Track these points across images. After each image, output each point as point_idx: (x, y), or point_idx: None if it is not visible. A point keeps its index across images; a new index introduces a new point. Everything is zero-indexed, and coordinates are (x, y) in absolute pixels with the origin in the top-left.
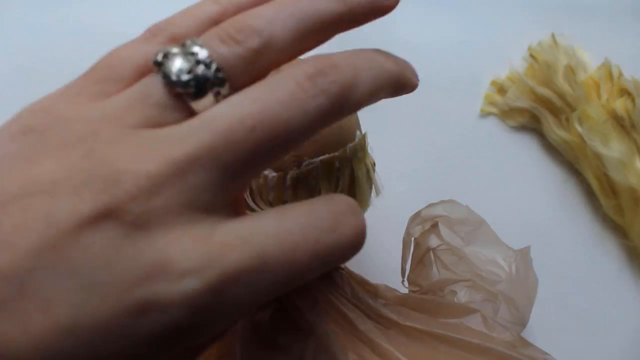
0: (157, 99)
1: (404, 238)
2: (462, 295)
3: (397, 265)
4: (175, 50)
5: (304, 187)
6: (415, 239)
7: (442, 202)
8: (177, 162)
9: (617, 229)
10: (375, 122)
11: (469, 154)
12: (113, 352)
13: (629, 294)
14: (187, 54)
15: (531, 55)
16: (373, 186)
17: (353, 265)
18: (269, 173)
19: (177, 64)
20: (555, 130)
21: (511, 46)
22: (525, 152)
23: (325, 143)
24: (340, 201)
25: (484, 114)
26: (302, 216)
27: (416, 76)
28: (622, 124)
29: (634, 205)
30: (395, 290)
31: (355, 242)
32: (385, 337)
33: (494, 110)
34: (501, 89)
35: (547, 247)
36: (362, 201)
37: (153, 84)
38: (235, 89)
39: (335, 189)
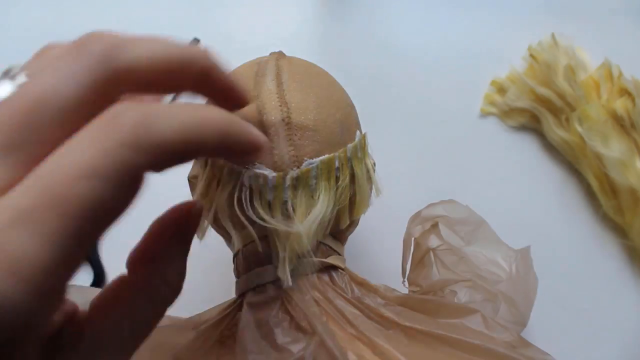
0: None
1: (404, 238)
2: (462, 296)
3: (397, 265)
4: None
5: (304, 187)
6: (415, 239)
7: (443, 202)
8: None
9: (617, 229)
10: (376, 122)
11: (469, 154)
12: None
13: (629, 294)
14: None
15: (531, 55)
16: (373, 186)
17: (353, 265)
18: (269, 173)
19: None
20: (555, 130)
21: (511, 46)
22: (525, 152)
23: (326, 143)
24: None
25: (484, 114)
26: None
27: (256, 135)
28: (622, 124)
29: (634, 205)
30: (395, 290)
31: None
32: (385, 337)
33: (494, 110)
34: (501, 89)
35: (547, 247)
36: (362, 201)
37: None
38: None
39: (335, 189)
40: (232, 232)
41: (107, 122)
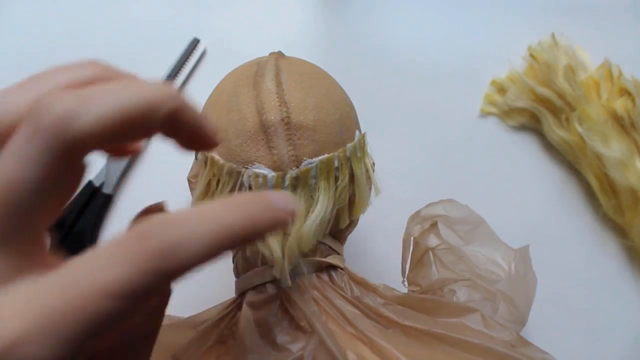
0: None
1: (403, 238)
2: (462, 295)
3: (396, 264)
4: None
5: (303, 186)
6: (414, 238)
7: (442, 201)
8: None
9: (617, 229)
10: (375, 122)
11: (469, 153)
12: None
13: (629, 294)
14: None
15: (531, 55)
16: (372, 186)
17: (353, 265)
18: (268, 173)
19: None
20: (555, 130)
21: (511, 46)
22: (525, 152)
23: (325, 143)
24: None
25: (484, 114)
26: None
27: (280, 210)
28: (622, 124)
29: (634, 205)
30: (394, 289)
31: None
32: (384, 336)
33: (494, 110)
34: (501, 89)
35: (546, 247)
36: (362, 201)
37: None
38: None
39: (334, 189)
40: None
41: (137, 239)
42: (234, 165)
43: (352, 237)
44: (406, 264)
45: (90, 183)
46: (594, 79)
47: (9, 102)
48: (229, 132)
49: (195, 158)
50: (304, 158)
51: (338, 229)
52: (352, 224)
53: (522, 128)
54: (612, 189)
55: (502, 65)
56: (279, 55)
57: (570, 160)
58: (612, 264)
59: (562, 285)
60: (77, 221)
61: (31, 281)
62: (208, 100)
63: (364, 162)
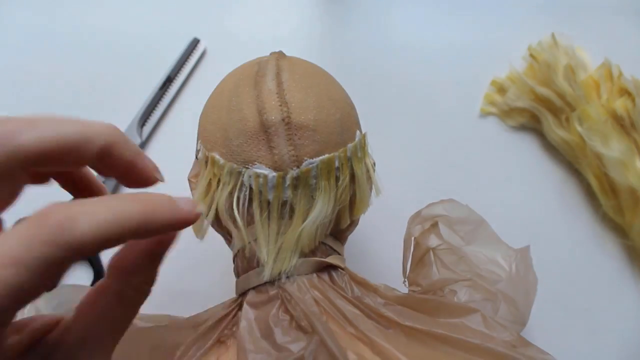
0: None
1: (404, 238)
2: (462, 295)
3: (397, 264)
4: None
5: (304, 186)
6: (415, 238)
7: (442, 201)
8: None
9: (617, 229)
10: (376, 122)
11: (469, 153)
12: None
13: (629, 294)
14: None
15: (531, 55)
16: (373, 186)
17: (353, 265)
18: (269, 173)
19: None
20: (555, 130)
21: (511, 46)
22: (525, 152)
23: (326, 143)
24: None
25: (484, 114)
26: None
27: (181, 211)
28: (622, 124)
29: (634, 205)
30: (395, 290)
31: None
32: (384, 336)
33: (494, 110)
34: (501, 89)
35: (547, 247)
36: (362, 201)
37: None
38: None
39: (335, 189)
40: (234, 232)
41: (34, 221)
42: (235, 165)
43: (353, 237)
44: (407, 264)
45: None
46: (594, 79)
47: None
48: (229, 132)
49: (196, 158)
50: (305, 158)
51: (339, 229)
52: (353, 224)
53: (522, 128)
54: (612, 189)
55: (502, 65)
56: (280, 55)
57: (570, 160)
58: (612, 264)
59: (562, 285)
60: None
61: None
62: (209, 100)
63: (365, 162)
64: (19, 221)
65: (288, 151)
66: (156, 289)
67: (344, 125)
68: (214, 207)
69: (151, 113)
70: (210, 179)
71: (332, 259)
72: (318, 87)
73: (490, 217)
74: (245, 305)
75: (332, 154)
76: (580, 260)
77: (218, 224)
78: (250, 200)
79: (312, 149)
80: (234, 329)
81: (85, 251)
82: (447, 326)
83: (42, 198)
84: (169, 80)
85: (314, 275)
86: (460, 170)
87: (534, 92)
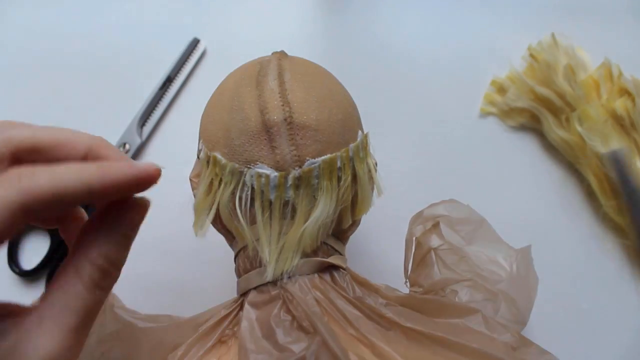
0: None
1: (406, 238)
2: (463, 295)
3: (398, 265)
4: None
5: (306, 186)
6: (416, 238)
7: (444, 201)
8: None
9: (617, 229)
10: (377, 122)
11: (469, 153)
12: None
13: (629, 294)
14: None
15: (531, 55)
16: (375, 186)
17: (355, 265)
18: (271, 172)
19: None
20: (555, 130)
21: (511, 46)
22: (525, 152)
23: (328, 143)
24: None
25: (484, 114)
26: None
27: (139, 167)
28: (622, 124)
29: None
30: (396, 290)
31: None
32: (385, 338)
33: (494, 110)
34: (501, 89)
35: (547, 247)
36: (364, 201)
37: None
38: None
39: (337, 189)
40: (235, 232)
41: (4, 173)
42: (237, 165)
43: (355, 237)
44: (408, 264)
45: None
46: (594, 79)
47: None
48: (231, 132)
49: (198, 157)
50: (307, 158)
51: (340, 229)
52: (355, 224)
53: (522, 128)
54: (612, 189)
55: (502, 65)
56: (282, 54)
57: (570, 160)
58: (612, 264)
59: (563, 285)
60: None
61: None
62: (210, 99)
63: (367, 162)
64: None
65: (290, 151)
66: (157, 289)
67: (346, 125)
68: (215, 206)
69: (151, 113)
70: (212, 179)
71: (333, 259)
72: (320, 86)
73: (491, 217)
74: (246, 305)
75: (334, 154)
76: (581, 260)
77: (219, 224)
78: (252, 200)
79: (314, 149)
80: (235, 329)
81: (43, 199)
82: (448, 328)
83: None
84: (169, 80)
85: (316, 275)
86: (460, 170)
87: (534, 92)
